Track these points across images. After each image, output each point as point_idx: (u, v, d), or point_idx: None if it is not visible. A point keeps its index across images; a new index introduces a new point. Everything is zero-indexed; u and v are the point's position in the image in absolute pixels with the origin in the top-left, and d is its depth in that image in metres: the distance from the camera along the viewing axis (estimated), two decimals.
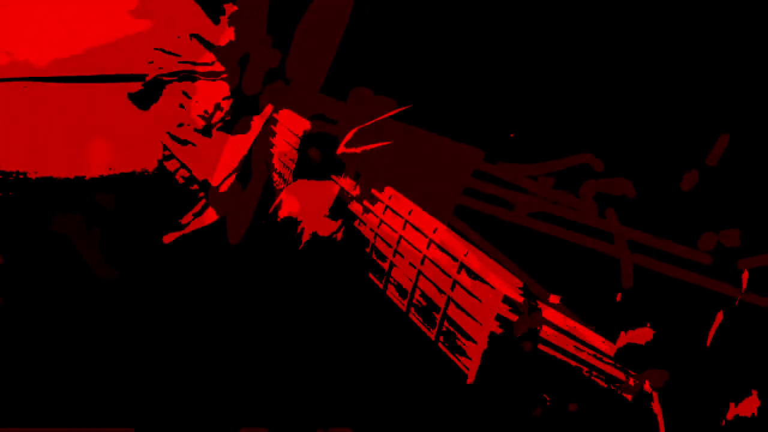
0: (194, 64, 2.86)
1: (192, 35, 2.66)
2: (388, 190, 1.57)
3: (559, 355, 1.01)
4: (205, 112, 2.70)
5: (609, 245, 1.07)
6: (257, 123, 2.53)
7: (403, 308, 1.37)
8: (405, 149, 1.66)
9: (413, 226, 1.41)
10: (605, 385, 0.94)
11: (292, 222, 1.71)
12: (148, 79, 2.94)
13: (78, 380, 1.79)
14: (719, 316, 0.90)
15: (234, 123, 2.60)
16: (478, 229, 1.31)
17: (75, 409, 1.70)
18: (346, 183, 1.75)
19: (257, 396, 1.56)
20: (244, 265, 1.83)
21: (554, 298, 0.98)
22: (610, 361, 0.95)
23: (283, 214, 1.74)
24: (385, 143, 1.71)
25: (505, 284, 1.08)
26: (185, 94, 2.84)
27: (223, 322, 1.78)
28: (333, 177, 1.85)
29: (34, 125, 3.07)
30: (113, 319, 2.04)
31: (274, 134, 2.38)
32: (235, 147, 2.60)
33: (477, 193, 1.31)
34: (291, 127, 2.25)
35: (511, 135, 1.47)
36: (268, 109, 2.53)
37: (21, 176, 2.78)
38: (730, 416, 0.80)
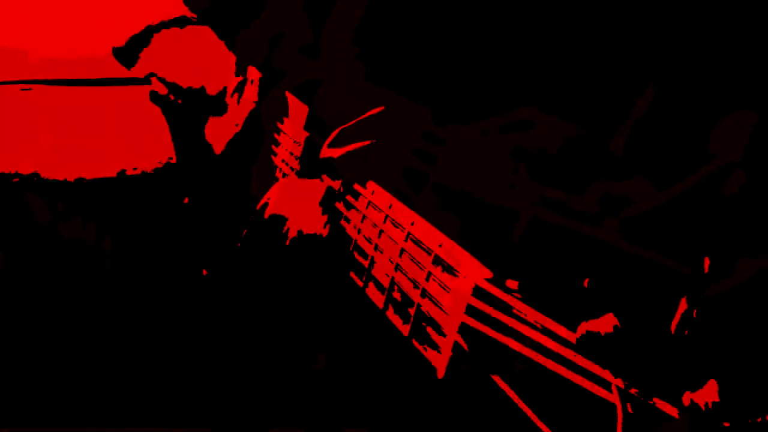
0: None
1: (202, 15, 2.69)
2: (371, 186, 1.59)
3: (525, 350, 1.02)
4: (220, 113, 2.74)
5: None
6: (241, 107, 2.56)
7: (380, 306, 1.39)
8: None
9: (393, 220, 1.43)
10: (570, 376, 0.94)
11: (279, 219, 1.74)
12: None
13: (110, 383, 1.83)
14: (682, 303, 0.91)
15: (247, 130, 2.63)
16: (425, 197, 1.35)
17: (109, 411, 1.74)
18: (332, 181, 1.78)
19: (220, 394, 1.59)
20: (231, 262, 1.87)
21: (512, 283, 0.99)
22: (574, 351, 0.95)
23: (270, 211, 1.78)
24: (367, 142, 1.73)
25: (477, 274, 1.09)
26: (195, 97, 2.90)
27: (204, 319, 1.82)
28: (323, 176, 1.88)
29: (34, 129, 3.16)
30: (117, 320, 2.08)
31: (276, 140, 2.42)
32: (242, 150, 2.64)
33: (424, 155, 1.34)
34: (291, 132, 2.28)
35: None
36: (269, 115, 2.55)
37: (17, 179, 2.86)
38: (686, 403, 0.80)
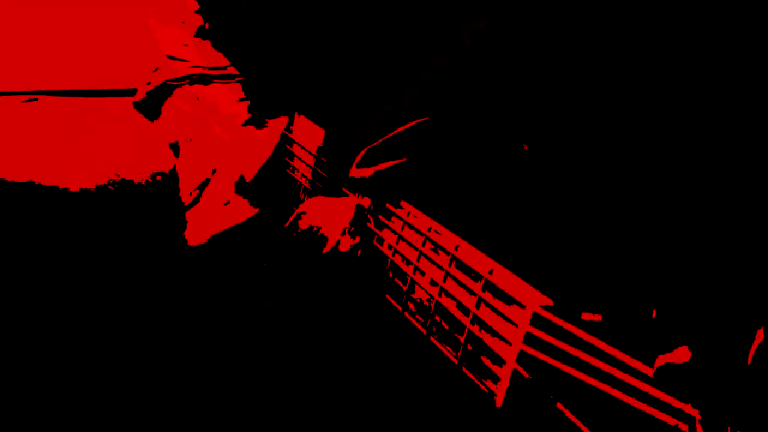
0: (206, 68, 2.90)
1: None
2: (406, 206, 1.58)
3: (591, 379, 1.01)
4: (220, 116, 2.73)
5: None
6: (271, 131, 2.55)
7: (423, 331, 1.37)
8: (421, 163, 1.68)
9: (433, 243, 1.42)
10: (645, 408, 0.94)
11: (311, 236, 1.73)
12: (153, 86, 2.98)
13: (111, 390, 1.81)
14: (759, 334, 0.90)
15: (251, 126, 2.62)
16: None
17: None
18: (363, 200, 1.77)
19: (268, 416, 1.56)
20: (261, 278, 1.84)
21: (586, 316, 0.99)
22: (649, 384, 0.94)
23: (302, 227, 1.75)
24: (398, 161, 1.72)
25: (535, 301, 1.08)
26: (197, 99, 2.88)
27: (236, 337, 1.79)
28: (348, 192, 1.87)
29: (37, 138, 3.13)
30: (120, 324, 2.05)
31: (291, 145, 2.41)
32: (248, 154, 2.63)
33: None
34: (305, 142, 2.27)
35: (525, 147, 1.49)
36: (283, 120, 2.55)
37: (24, 187, 2.83)
38: None
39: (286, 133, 2.31)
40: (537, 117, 1.45)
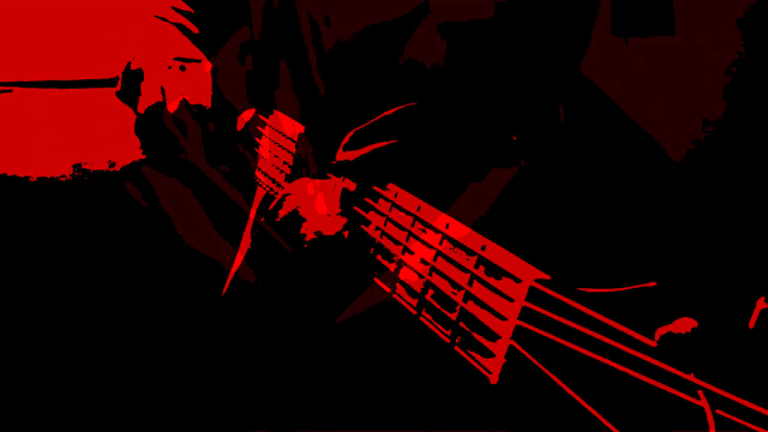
0: (182, 60, 2.82)
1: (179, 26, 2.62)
2: (393, 188, 1.54)
3: (591, 353, 0.97)
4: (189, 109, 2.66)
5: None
6: (241, 122, 2.49)
7: (414, 311, 1.33)
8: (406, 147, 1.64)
9: (423, 222, 1.38)
10: (648, 381, 0.90)
11: (295, 220, 1.67)
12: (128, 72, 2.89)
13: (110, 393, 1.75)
14: (760, 302, 0.87)
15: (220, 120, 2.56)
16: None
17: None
18: (347, 183, 1.72)
19: (260, 406, 1.52)
20: (245, 267, 1.79)
21: (584, 289, 0.95)
22: (652, 355, 0.91)
23: (284, 212, 1.70)
24: (385, 143, 1.68)
25: (531, 275, 1.05)
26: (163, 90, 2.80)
27: (223, 325, 1.74)
28: (331, 176, 1.81)
29: (11, 130, 3.04)
30: (111, 321, 2.00)
31: (260, 136, 2.34)
32: (221, 146, 2.57)
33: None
34: (282, 129, 2.21)
35: (513, 138, 1.45)
36: (250, 111, 2.48)
37: (9, 181, 2.75)
38: None
39: (262, 117, 2.24)
40: (529, 109, 1.41)
